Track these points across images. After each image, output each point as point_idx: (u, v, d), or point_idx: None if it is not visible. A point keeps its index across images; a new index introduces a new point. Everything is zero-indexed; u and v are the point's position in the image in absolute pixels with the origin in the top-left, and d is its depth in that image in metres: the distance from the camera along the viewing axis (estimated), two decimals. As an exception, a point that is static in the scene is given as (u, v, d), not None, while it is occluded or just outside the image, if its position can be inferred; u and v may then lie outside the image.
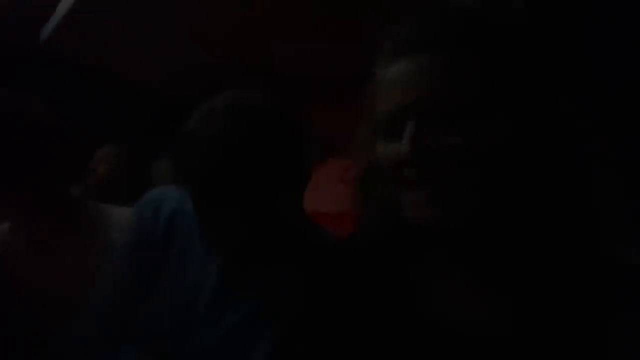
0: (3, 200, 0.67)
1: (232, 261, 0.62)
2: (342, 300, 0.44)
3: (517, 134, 0.35)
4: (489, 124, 0.34)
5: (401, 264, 0.42)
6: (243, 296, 0.60)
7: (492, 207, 0.36)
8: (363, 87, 0.43)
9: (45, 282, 0.74)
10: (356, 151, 0.45)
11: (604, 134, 0.36)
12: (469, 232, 0.37)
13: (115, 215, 0.78)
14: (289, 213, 0.59)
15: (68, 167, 0.75)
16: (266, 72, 1.46)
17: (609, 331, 0.32)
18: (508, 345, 0.34)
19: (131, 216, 0.66)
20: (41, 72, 1.58)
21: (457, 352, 0.36)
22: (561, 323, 0.34)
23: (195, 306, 0.60)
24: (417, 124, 0.35)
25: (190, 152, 0.52)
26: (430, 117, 0.35)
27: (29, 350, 0.72)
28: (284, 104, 0.56)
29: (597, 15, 0.70)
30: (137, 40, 1.49)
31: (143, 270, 0.63)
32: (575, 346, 0.33)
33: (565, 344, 0.33)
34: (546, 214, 0.35)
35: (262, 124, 0.52)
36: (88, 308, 0.70)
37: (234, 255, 0.61)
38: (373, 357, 0.39)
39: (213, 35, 1.40)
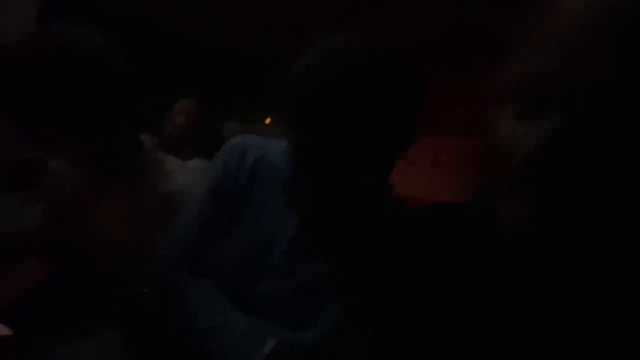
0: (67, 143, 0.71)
1: (310, 216, 0.63)
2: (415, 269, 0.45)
3: None
4: None
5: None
6: (316, 253, 0.64)
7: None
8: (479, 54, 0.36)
9: (104, 226, 0.79)
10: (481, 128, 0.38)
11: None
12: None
13: (181, 167, 0.84)
14: (381, 181, 0.59)
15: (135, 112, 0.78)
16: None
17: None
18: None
19: (216, 158, 0.70)
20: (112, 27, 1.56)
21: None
22: None
23: (270, 254, 0.64)
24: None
25: (304, 90, 0.49)
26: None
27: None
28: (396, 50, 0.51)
29: None
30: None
31: (222, 213, 0.67)
32: None
33: None
34: None
35: (384, 64, 0.48)
36: (153, 253, 0.75)
37: (313, 210, 0.62)
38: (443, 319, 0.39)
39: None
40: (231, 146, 0.70)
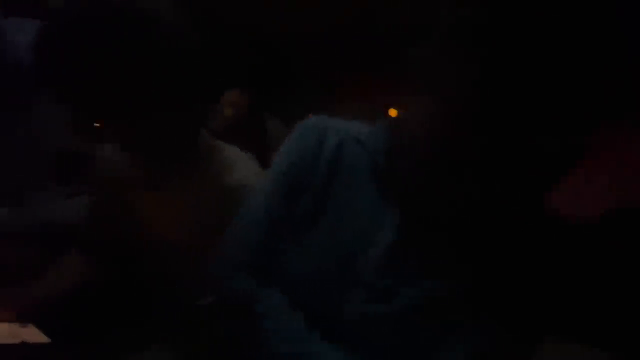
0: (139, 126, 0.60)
1: (419, 216, 0.49)
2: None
3: None
4: None
5: None
6: (426, 266, 0.48)
7: None
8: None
9: (157, 214, 0.70)
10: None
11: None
12: None
13: (242, 158, 0.73)
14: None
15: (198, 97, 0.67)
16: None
17: None
18: None
19: (288, 142, 0.58)
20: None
21: None
22: None
23: (358, 266, 0.50)
24: None
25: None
26: None
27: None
28: None
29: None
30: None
31: (296, 211, 0.54)
32: None
33: None
34: None
35: None
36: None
37: (424, 207, 0.48)
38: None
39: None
40: (306, 128, 0.56)
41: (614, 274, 0.41)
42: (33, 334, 0.61)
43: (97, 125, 0.66)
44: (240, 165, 0.70)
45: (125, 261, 0.79)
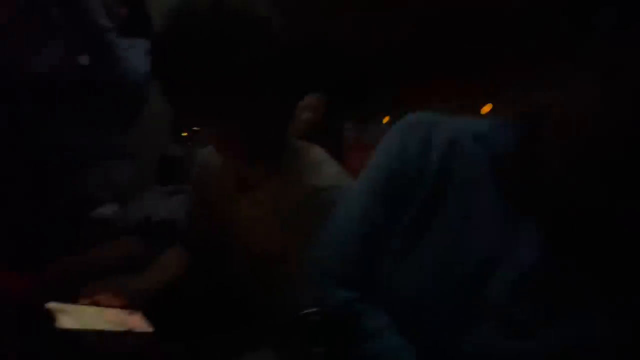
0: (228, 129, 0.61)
1: (564, 236, 0.40)
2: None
3: None
4: None
5: None
6: (575, 299, 0.38)
7: None
8: None
9: (248, 214, 0.70)
10: None
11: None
12: None
13: (329, 158, 0.71)
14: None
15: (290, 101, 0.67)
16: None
17: None
18: None
19: (386, 142, 0.52)
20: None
21: None
22: None
23: (482, 287, 0.41)
24: None
25: None
26: None
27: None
28: None
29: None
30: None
31: (399, 219, 0.48)
32: None
33: None
34: None
35: None
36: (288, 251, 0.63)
37: (571, 227, 0.39)
38: None
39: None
40: (409, 123, 0.50)
41: None
42: (139, 323, 0.64)
43: (196, 130, 0.70)
44: (327, 166, 0.68)
45: (221, 262, 0.83)
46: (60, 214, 1.01)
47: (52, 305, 0.57)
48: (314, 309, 0.43)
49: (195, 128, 0.68)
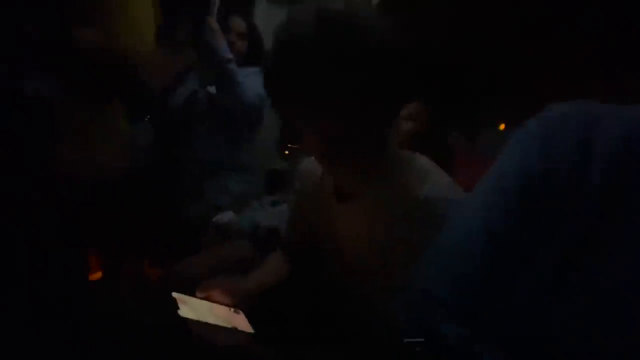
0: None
1: None
2: None
3: None
4: None
5: None
6: None
7: None
8: None
9: (346, 224, 0.68)
10: None
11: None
12: None
13: (435, 167, 0.64)
14: None
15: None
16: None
17: None
18: None
19: (522, 142, 0.41)
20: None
21: None
22: None
23: None
24: None
25: None
26: None
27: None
28: None
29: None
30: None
31: (540, 237, 0.37)
32: None
33: None
34: None
35: None
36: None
37: None
38: None
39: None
40: (556, 117, 0.39)
41: None
42: (243, 323, 0.68)
43: (297, 147, 0.72)
44: (435, 176, 0.61)
45: (318, 271, 0.83)
46: (189, 219, 1.19)
47: (176, 294, 0.66)
48: (420, 340, 0.37)
49: (295, 145, 0.71)
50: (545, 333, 0.35)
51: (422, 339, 0.38)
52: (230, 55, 1.17)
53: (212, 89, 1.23)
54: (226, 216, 1.14)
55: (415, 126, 1.23)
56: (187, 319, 0.61)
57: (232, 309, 0.70)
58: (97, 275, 1.14)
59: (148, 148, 1.24)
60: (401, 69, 0.59)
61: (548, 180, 0.36)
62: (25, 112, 0.65)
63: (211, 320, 0.63)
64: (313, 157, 0.73)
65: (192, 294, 0.70)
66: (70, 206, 0.93)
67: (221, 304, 0.70)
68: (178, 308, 0.62)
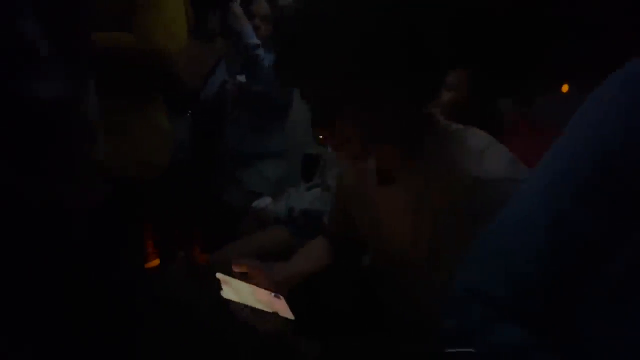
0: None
1: None
2: None
3: None
4: None
5: None
6: None
7: None
8: None
9: (390, 210, 0.62)
10: None
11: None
12: None
13: (492, 144, 0.55)
14: None
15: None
16: None
17: None
18: None
19: (595, 108, 0.34)
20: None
21: None
22: None
23: None
24: None
25: None
26: None
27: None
28: None
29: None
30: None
31: (620, 226, 0.30)
32: None
33: None
34: None
35: None
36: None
37: None
38: None
39: None
40: (635, 75, 0.32)
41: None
42: (284, 309, 0.67)
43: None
44: (493, 153, 0.53)
45: (361, 258, 0.80)
46: (230, 206, 1.23)
47: (220, 275, 0.66)
48: (469, 349, 0.32)
49: (328, 135, 0.64)
50: (616, 351, 0.29)
51: (469, 349, 0.33)
52: (257, 41, 1.16)
53: (241, 78, 1.24)
54: (263, 202, 1.16)
55: (455, 96, 1.12)
56: (229, 300, 0.62)
57: (273, 294, 0.70)
58: (156, 262, 1.25)
59: (188, 141, 1.30)
60: (440, 32, 0.52)
61: (632, 158, 0.29)
62: (65, 116, 0.70)
63: (253, 303, 0.64)
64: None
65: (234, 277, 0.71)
66: (125, 202, 1.00)
67: (260, 286, 0.69)
68: (221, 289, 0.63)
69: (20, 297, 0.61)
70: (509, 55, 1.43)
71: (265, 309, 0.64)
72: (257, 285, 0.68)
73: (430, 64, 0.52)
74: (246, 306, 0.62)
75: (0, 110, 0.52)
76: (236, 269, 0.70)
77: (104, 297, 0.84)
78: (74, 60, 0.63)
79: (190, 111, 1.32)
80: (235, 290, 0.66)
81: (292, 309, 0.68)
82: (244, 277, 0.70)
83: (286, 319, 0.65)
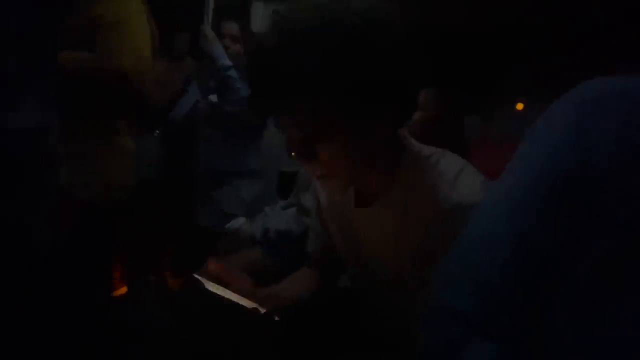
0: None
1: None
2: None
3: None
4: None
5: None
6: None
7: None
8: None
9: (369, 232, 0.63)
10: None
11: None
12: None
13: (464, 167, 0.56)
14: None
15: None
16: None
17: None
18: None
19: (547, 127, 0.35)
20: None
21: None
22: None
23: None
24: None
25: None
26: None
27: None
28: None
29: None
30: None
31: (579, 240, 0.31)
32: None
33: None
34: None
35: None
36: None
37: None
38: None
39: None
40: (589, 96, 0.33)
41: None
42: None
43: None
44: (466, 177, 0.53)
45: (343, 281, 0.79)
46: (203, 227, 1.20)
47: (199, 276, 0.63)
48: None
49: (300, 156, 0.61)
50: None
51: None
52: (229, 62, 1.16)
53: (214, 97, 1.23)
54: (236, 223, 1.14)
55: (424, 115, 1.16)
56: (213, 292, 0.60)
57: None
58: (122, 290, 1.18)
59: (158, 162, 1.26)
60: (411, 55, 0.53)
61: (585, 175, 0.30)
62: (25, 142, 0.66)
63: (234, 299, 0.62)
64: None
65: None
66: (89, 226, 0.95)
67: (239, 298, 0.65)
68: (204, 285, 0.61)
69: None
70: (474, 74, 1.51)
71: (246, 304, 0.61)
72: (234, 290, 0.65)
73: (407, 87, 0.54)
74: (228, 299, 0.60)
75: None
76: (212, 272, 0.66)
77: (72, 327, 0.79)
78: (44, 88, 0.60)
79: (157, 131, 1.29)
80: (216, 289, 0.64)
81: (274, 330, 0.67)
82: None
83: (266, 313, 0.62)
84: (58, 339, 0.77)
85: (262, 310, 0.61)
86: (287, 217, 1.08)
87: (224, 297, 0.60)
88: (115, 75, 0.93)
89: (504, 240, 0.34)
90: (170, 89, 1.28)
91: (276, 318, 0.62)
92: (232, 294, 0.63)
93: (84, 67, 0.91)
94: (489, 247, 0.35)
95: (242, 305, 0.60)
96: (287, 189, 1.38)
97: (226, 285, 0.64)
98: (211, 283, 0.64)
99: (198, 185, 1.27)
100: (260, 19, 1.44)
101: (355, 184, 0.61)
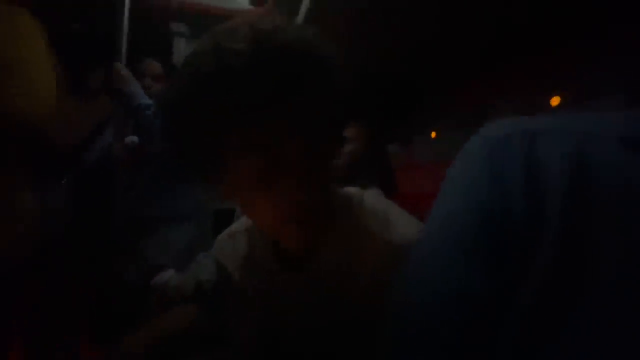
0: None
1: None
2: None
3: None
4: None
5: None
6: None
7: None
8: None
9: (304, 289, 0.56)
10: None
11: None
12: None
13: (388, 204, 0.55)
14: None
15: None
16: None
17: None
18: None
19: (463, 172, 0.35)
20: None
21: None
22: None
23: None
24: None
25: None
26: None
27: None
28: None
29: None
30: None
31: (507, 287, 0.29)
32: None
33: None
34: None
35: None
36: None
37: None
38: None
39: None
40: (495, 138, 0.32)
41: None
42: None
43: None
44: (394, 215, 0.51)
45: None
46: (128, 284, 1.06)
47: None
48: None
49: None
50: None
51: None
52: (149, 101, 1.08)
53: (133, 139, 1.13)
54: (165, 275, 1.03)
55: (356, 147, 1.19)
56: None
57: None
58: (20, 366, 0.99)
59: (68, 212, 1.11)
60: (344, 91, 0.51)
61: (504, 211, 0.29)
62: None
63: None
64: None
65: None
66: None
67: None
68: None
69: None
70: (394, 108, 1.61)
71: None
72: None
73: (337, 124, 0.53)
74: None
75: None
76: None
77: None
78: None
79: (65, 178, 1.14)
80: None
81: None
82: None
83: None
84: None
85: None
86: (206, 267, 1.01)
87: None
88: (8, 118, 0.82)
89: (445, 290, 0.31)
90: (81, 130, 1.15)
91: None
92: None
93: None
94: (432, 296, 0.32)
95: None
96: (224, 229, 1.30)
97: None
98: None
99: (119, 236, 1.14)
100: (183, 53, 1.38)
101: (282, 242, 0.54)
